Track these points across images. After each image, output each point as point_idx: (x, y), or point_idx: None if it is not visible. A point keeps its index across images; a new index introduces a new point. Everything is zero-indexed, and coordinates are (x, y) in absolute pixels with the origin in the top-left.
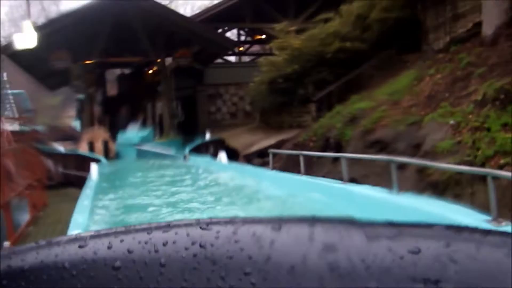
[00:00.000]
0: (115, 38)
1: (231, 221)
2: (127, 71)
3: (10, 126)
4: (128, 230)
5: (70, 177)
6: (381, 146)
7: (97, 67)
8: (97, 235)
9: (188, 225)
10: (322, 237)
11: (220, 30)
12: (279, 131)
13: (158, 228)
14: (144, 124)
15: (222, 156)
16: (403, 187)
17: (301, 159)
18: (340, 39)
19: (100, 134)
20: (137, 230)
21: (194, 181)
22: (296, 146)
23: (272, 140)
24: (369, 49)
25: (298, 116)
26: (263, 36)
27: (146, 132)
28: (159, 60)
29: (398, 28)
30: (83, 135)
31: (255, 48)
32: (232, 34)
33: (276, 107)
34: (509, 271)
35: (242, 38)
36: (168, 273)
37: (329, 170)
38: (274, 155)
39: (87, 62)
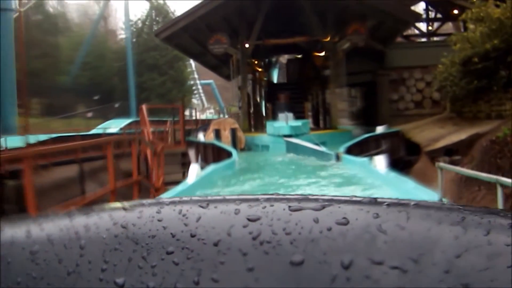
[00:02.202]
0: (277, 16)
1: (156, 202)
2: (298, 56)
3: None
4: (48, 216)
5: None
6: None
7: (259, 51)
8: (16, 222)
9: (112, 208)
10: (246, 212)
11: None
12: (473, 123)
13: (80, 212)
14: (310, 113)
15: (378, 161)
16: None
17: (499, 192)
18: None
19: (228, 122)
20: (58, 216)
21: None
22: (494, 144)
23: (463, 135)
24: None
25: (498, 104)
26: (456, 12)
27: (299, 122)
28: (328, 39)
29: None
30: (211, 123)
31: (447, 27)
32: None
33: (470, 93)
34: (437, 239)
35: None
36: (88, 254)
37: None
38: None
39: (246, 45)
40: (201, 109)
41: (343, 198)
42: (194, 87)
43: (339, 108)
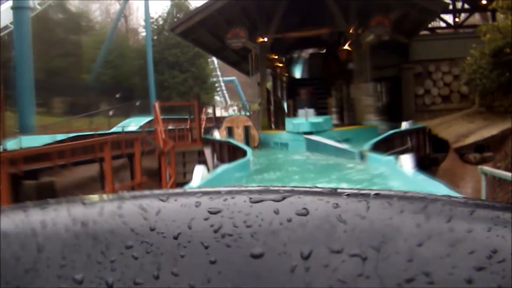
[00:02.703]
0: (297, 8)
1: (117, 196)
2: (320, 50)
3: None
4: (4, 211)
5: None
6: None
7: (279, 45)
8: None
9: (71, 202)
10: (207, 205)
11: None
12: (505, 118)
13: (36, 206)
14: (334, 109)
15: (404, 160)
16: None
17: None
18: None
19: (241, 120)
20: (13, 209)
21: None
22: None
23: (494, 130)
24: None
25: None
26: (484, 2)
27: (321, 118)
28: (351, 32)
29: None
30: (224, 121)
31: (473, 20)
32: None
33: (501, 86)
34: (396, 228)
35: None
36: (47, 251)
37: None
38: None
39: (265, 39)
40: (224, 106)
41: (303, 188)
42: (216, 84)
43: (364, 103)
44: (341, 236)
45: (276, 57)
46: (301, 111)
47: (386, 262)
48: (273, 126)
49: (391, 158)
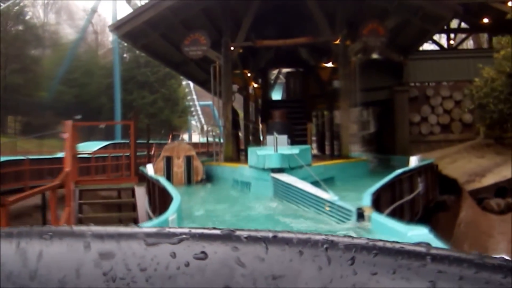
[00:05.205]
0: (272, 14)
1: None
2: (300, 69)
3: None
4: None
5: None
6: None
7: (254, 61)
8: None
9: None
10: (97, 246)
11: None
12: None
13: None
14: (314, 138)
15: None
16: None
17: None
18: None
19: (182, 148)
20: None
21: None
22: None
23: None
24: None
25: None
26: (486, 21)
27: (296, 149)
28: (337, 42)
29: None
30: (163, 149)
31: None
32: None
33: None
34: (297, 270)
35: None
36: None
37: None
38: None
39: (231, 48)
40: (199, 131)
41: (201, 231)
42: (192, 109)
43: (352, 131)
44: (240, 281)
45: (250, 75)
46: (269, 138)
47: None
48: (242, 157)
49: (425, 231)
